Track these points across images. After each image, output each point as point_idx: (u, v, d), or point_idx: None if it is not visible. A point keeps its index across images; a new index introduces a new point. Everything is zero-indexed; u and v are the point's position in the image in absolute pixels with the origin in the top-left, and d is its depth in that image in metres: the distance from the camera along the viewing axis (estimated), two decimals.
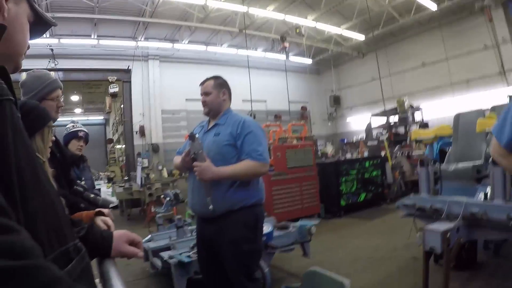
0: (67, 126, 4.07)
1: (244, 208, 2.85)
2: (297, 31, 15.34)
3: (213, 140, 2.94)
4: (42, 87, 2.44)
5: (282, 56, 17.39)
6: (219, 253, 2.90)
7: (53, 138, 1.90)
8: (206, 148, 2.83)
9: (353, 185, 9.44)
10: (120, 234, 1.41)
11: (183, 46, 15.63)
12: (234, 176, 2.81)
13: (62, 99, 2.59)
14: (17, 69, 1.01)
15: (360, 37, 16.85)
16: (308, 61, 19.42)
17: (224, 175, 2.77)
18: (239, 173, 2.80)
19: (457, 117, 5.23)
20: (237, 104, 18.23)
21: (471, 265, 4.67)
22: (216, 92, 3.06)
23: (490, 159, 3.67)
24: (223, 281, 2.98)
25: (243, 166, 2.80)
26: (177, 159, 3.13)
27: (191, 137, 2.78)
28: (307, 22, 14.96)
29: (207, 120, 3.21)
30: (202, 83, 3.14)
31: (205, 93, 3.06)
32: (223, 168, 2.76)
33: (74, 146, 3.94)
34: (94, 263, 1.34)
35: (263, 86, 18.04)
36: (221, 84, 3.11)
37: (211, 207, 2.71)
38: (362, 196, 9.64)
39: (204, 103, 3.07)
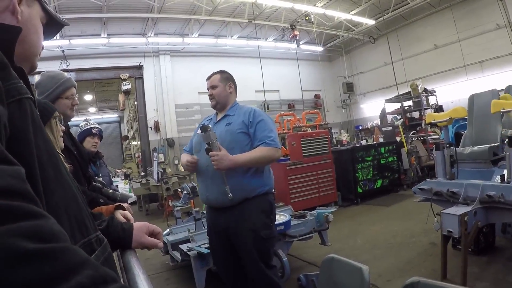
0: (81, 125, 4.14)
1: (259, 196, 2.94)
2: (307, 18, 15.21)
3: (226, 129, 3.01)
4: (56, 86, 2.48)
5: (293, 45, 17.31)
6: (235, 241, 2.96)
7: (63, 128, 1.93)
8: (220, 138, 2.88)
9: (369, 171, 9.39)
10: (140, 226, 1.44)
11: (193, 40, 15.62)
12: (251, 162, 2.86)
13: (76, 97, 2.64)
14: (33, 69, 1.04)
15: (370, 22, 16.64)
16: (319, 48, 19.28)
17: (240, 161, 2.82)
18: (255, 159, 2.86)
19: (472, 98, 5.16)
20: (250, 95, 18.32)
21: (489, 250, 4.64)
22: (223, 85, 3.16)
23: (506, 140, 3.63)
24: (239, 270, 3.05)
25: (259, 152, 2.86)
26: (185, 157, 3.23)
27: (203, 128, 2.82)
28: (316, 9, 14.80)
29: (214, 113, 3.29)
30: (208, 78, 3.25)
31: (212, 87, 3.17)
32: (240, 155, 2.83)
33: (89, 143, 4.00)
34: (115, 255, 1.38)
35: (276, 76, 17.99)
36: (227, 78, 3.22)
37: (230, 195, 2.76)
38: (379, 182, 9.59)
39: (211, 96, 3.18)
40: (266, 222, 2.94)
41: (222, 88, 3.15)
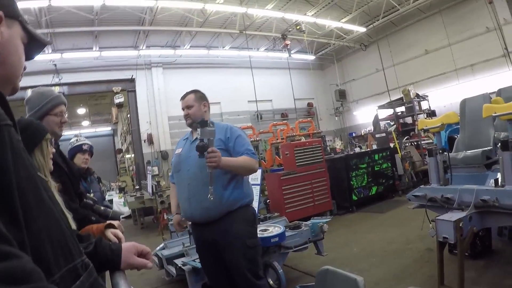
0: (71, 141, 4.10)
1: (242, 207, 3.03)
2: (298, 28, 15.32)
3: None
4: (45, 102, 2.46)
5: (285, 54, 17.39)
6: (223, 254, 2.99)
7: (53, 150, 1.91)
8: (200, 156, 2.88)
9: (363, 179, 9.39)
10: (128, 246, 1.42)
11: (185, 52, 15.67)
12: (237, 167, 2.97)
13: (66, 115, 2.61)
14: (15, 90, 1.02)
15: (361, 29, 16.77)
16: (311, 57, 19.41)
17: (231, 164, 2.92)
18: (241, 165, 2.98)
19: (464, 103, 5.17)
20: (243, 105, 18.27)
21: (486, 253, 4.63)
22: (198, 104, 3.22)
23: (499, 144, 3.63)
24: (231, 284, 3.08)
25: (243, 160, 2.98)
26: (176, 219, 3.35)
27: (203, 122, 2.79)
28: (307, 18, 14.92)
29: (189, 132, 3.35)
30: (182, 98, 3.30)
31: (187, 107, 3.23)
32: (229, 158, 2.93)
33: (79, 160, 3.96)
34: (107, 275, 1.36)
35: (268, 86, 18.04)
36: (201, 97, 3.29)
37: (210, 196, 2.73)
38: (374, 189, 9.59)
39: (187, 116, 3.23)
40: (250, 231, 3.05)
41: (197, 107, 3.21)
